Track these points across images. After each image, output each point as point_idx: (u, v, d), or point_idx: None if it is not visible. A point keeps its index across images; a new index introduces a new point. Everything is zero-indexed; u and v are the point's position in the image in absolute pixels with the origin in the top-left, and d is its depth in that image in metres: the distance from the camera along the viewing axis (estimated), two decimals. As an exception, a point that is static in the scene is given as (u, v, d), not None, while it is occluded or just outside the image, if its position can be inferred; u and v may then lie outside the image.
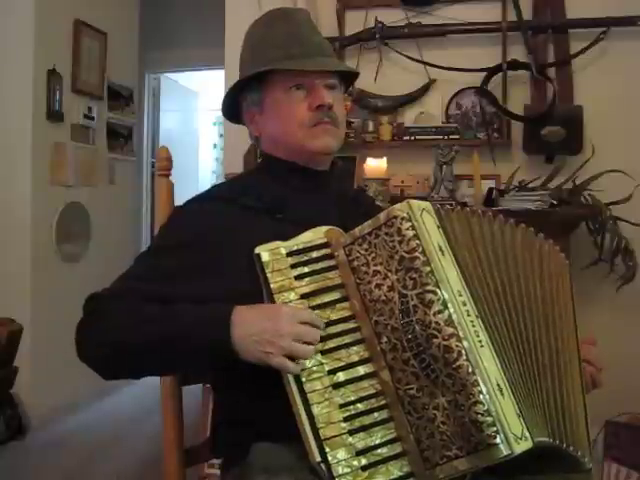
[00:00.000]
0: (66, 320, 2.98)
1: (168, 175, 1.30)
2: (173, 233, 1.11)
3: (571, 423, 0.97)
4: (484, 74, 2.68)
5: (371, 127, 2.83)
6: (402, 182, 2.74)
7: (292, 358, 0.92)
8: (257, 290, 0.97)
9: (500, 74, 2.69)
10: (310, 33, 1.15)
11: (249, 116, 1.18)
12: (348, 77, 1.23)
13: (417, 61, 2.79)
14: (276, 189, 1.13)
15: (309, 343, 0.93)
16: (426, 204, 0.98)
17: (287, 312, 0.94)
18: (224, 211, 1.08)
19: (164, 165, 1.30)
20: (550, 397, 0.96)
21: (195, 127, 5.83)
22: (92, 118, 3.61)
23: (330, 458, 0.89)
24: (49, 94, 3.26)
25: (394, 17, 2.80)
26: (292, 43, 1.11)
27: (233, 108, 1.21)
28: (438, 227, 0.97)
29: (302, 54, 1.11)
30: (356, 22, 2.84)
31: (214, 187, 1.22)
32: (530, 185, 2.52)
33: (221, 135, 6.04)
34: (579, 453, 0.96)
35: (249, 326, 0.94)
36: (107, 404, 3.58)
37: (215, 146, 6.63)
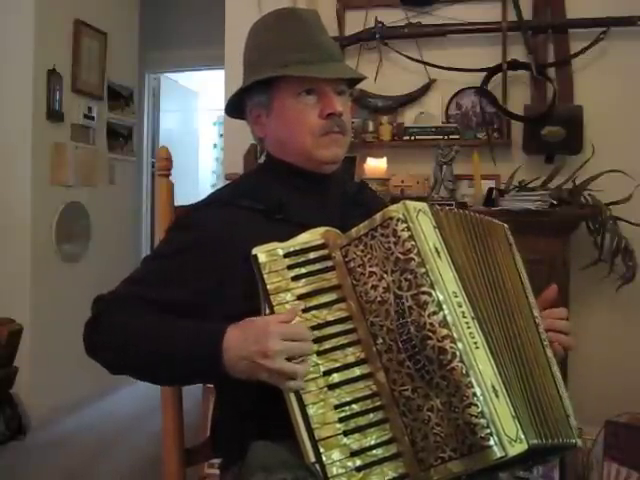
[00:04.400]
0: (66, 320, 3.02)
1: (168, 175, 1.30)
2: (176, 239, 1.12)
3: (559, 416, 0.99)
4: (484, 74, 2.69)
5: (371, 127, 2.83)
6: (402, 182, 2.74)
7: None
8: (256, 293, 0.97)
9: (500, 74, 2.69)
10: (321, 36, 1.14)
11: (254, 116, 1.17)
12: (353, 80, 1.22)
13: (417, 61, 2.78)
14: (278, 190, 1.13)
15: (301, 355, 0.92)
16: (422, 205, 0.97)
17: (274, 331, 0.92)
18: (225, 215, 1.09)
19: (164, 165, 1.30)
20: (540, 394, 0.98)
21: (195, 127, 5.83)
22: (92, 118, 3.61)
23: (324, 459, 0.90)
24: (49, 94, 3.26)
25: (394, 17, 2.80)
26: (304, 47, 1.10)
27: (236, 104, 1.20)
28: (435, 228, 0.96)
29: (315, 59, 1.10)
30: (356, 22, 2.84)
31: (216, 192, 1.23)
32: (530, 185, 2.52)
33: (221, 135, 6.04)
34: (572, 441, 0.99)
35: (238, 351, 0.93)
36: (107, 404, 3.58)
37: (215, 146, 6.63)
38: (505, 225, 1.13)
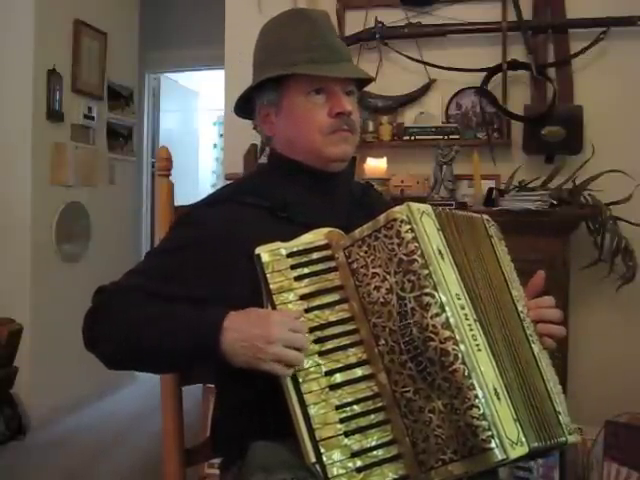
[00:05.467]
0: (66, 320, 3.02)
1: (168, 175, 1.30)
2: (180, 234, 1.12)
3: (550, 415, 0.98)
4: (484, 74, 2.68)
5: (371, 127, 2.83)
6: (402, 182, 2.74)
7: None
8: (259, 290, 0.98)
9: (500, 74, 2.69)
10: (331, 36, 1.15)
11: (263, 115, 1.17)
12: (362, 82, 1.23)
13: (417, 61, 2.78)
14: (285, 189, 1.14)
15: (299, 350, 0.93)
16: (426, 207, 0.98)
17: (277, 319, 0.94)
18: (230, 212, 1.10)
19: (164, 165, 1.30)
20: (533, 394, 0.97)
21: (195, 127, 5.83)
22: (92, 118, 3.61)
23: (325, 459, 0.90)
24: (49, 94, 3.26)
25: (394, 17, 2.80)
26: (315, 47, 1.11)
27: (244, 104, 1.21)
28: (438, 230, 0.97)
29: (326, 59, 1.11)
30: (356, 22, 2.84)
31: (222, 188, 1.23)
32: (530, 185, 2.51)
33: (221, 135, 6.04)
34: (562, 439, 0.98)
35: (239, 333, 0.94)
36: (107, 404, 3.58)
37: (215, 146, 6.63)
38: (484, 217, 1.12)
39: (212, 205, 1.14)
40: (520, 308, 1.06)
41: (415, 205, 0.96)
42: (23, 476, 2.67)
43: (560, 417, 1.00)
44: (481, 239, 1.07)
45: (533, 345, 1.04)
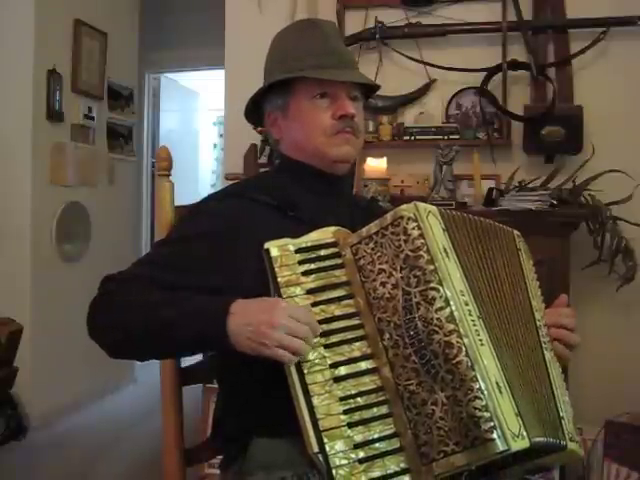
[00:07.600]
0: (66, 320, 3.03)
1: (168, 175, 1.31)
2: (189, 226, 1.14)
3: (553, 418, 0.99)
4: (484, 74, 2.68)
5: (371, 127, 2.83)
6: (402, 182, 2.74)
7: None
8: (265, 284, 0.99)
9: (500, 74, 2.69)
10: (338, 44, 1.20)
11: (271, 119, 1.21)
12: (368, 90, 1.26)
13: (417, 61, 2.78)
14: (292, 189, 1.17)
15: (304, 339, 0.93)
16: (432, 207, 1.00)
17: (283, 306, 0.95)
18: (238, 207, 1.12)
19: (164, 165, 1.30)
20: (536, 395, 0.98)
21: (195, 127, 5.84)
22: (92, 118, 3.61)
23: (328, 449, 0.90)
24: (49, 94, 3.27)
25: (394, 17, 2.80)
26: (321, 53, 1.16)
27: (253, 109, 1.25)
28: (444, 230, 0.99)
29: (331, 64, 1.15)
30: (356, 22, 2.84)
31: (230, 185, 1.26)
32: (530, 185, 2.52)
33: (221, 135, 6.04)
34: (562, 442, 0.98)
35: (245, 318, 0.95)
36: (107, 404, 3.58)
37: (215, 146, 6.64)
38: (515, 232, 1.16)
39: (221, 199, 1.17)
40: (538, 317, 1.08)
41: (422, 204, 0.99)
42: (23, 476, 2.67)
43: (563, 422, 1.00)
44: (502, 248, 1.10)
45: (546, 352, 1.06)
